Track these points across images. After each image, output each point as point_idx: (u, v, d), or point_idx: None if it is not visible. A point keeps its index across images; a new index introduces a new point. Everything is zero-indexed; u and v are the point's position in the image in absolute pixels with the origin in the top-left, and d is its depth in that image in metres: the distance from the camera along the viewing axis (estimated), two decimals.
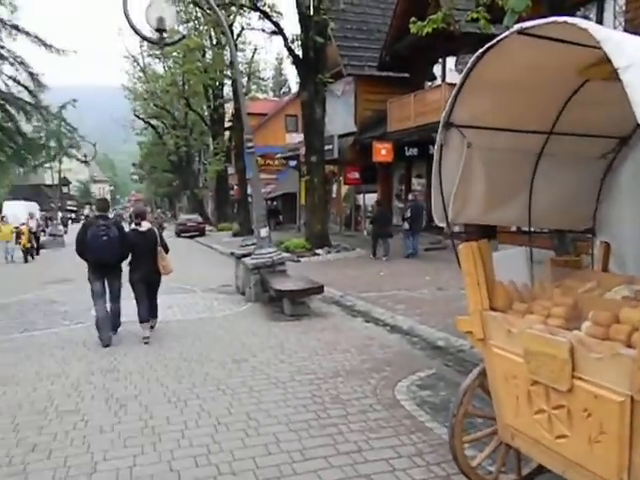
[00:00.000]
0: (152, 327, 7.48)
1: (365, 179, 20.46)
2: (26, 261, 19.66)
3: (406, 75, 18.76)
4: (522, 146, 3.35)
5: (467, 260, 3.10)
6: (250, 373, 5.56)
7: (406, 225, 14.62)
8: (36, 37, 24.66)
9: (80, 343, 7.12)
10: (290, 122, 37.34)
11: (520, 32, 2.48)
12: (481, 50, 2.75)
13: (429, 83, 18.30)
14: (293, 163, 25.95)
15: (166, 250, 7.63)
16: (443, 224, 3.35)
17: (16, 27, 24.22)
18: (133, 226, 7.71)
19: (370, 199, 21.15)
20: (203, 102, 35.59)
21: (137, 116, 43.99)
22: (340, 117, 20.74)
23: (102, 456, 3.81)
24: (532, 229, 3.71)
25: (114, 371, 5.80)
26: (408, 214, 14.58)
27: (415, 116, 15.78)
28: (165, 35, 9.65)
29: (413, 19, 6.92)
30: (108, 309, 7.26)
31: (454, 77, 15.18)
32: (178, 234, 31.70)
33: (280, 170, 32.89)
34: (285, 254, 10.41)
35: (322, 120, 16.98)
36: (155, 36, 9.66)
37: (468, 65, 2.90)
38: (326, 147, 18.09)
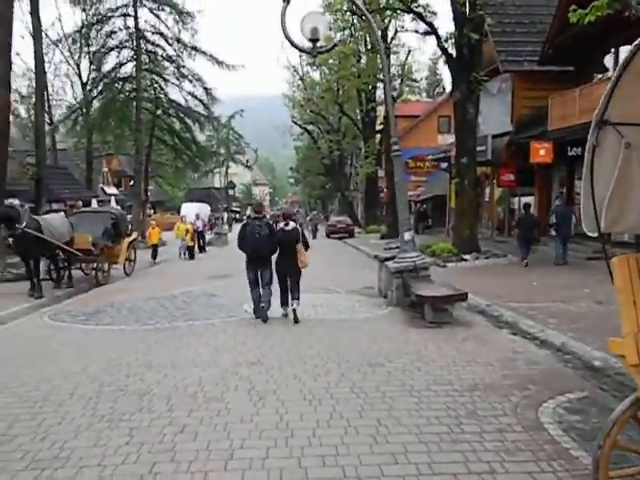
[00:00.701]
0: (295, 310, 8.45)
1: (521, 181, 19.19)
2: (192, 258, 21.71)
3: (570, 69, 17.22)
4: None
5: (621, 275, 2.76)
6: (385, 378, 5.53)
7: (553, 232, 14.11)
8: (211, 56, 27.43)
9: (232, 335, 7.70)
10: (443, 123, 36.57)
11: None
12: None
13: (599, 76, 16.58)
14: (444, 165, 25.31)
15: (306, 247, 8.67)
16: (593, 233, 3.01)
17: (195, 48, 27.19)
18: (282, 225, 8.71)
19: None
20: (356, 106, 36.32)
21: (295, 122, 46.34)
22: (495, 116, 19.73)
23: (239, 444, 4.07)
24: None
25: (258, 364, 6.16)
26: (553, 220, 13.96)
27: (580, 113, 14.38)
28: (319, 44, 10.02)
29: (573, 7, 6.31)
30: (261, 293, 8.65)
31: None
32: (328, 235, 32.76)
33: (431, 172, 32.34)
34: (428, 259, 10.18)
35: (475, 120, 16.32)
36: (309, 46, 10.10)
37: (626, 55, 2.58)
38: (479, 148, 17.33)
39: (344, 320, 8.55)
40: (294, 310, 8.41)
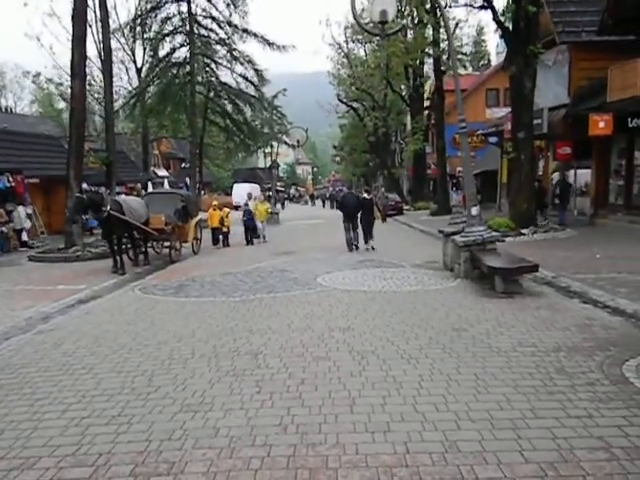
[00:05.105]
0: (373, 248, 14.91)
1: (578, 154, 19.06)
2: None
3: (631, 38, 16.84)
4: None
5: None
6: (471, 341, 6.02)
7: (556, 200, 18.16)
8: (262, 37, 27.80)
9: (316, 304, 8.32)
10: (491, 96, 36.14)
11: None
12: None
13: None
14: (494, 140, 25.16)
15: (379, 210, 16.36)
16: None
17: (246, 30, 27.64)
18: (365, 195, 15.70)
19: (583, 176, 19.86)
20: (402, 82, 36.13)
21: (340, 100, 46.34)
22: (551, 89, 19.51)
23: (357, 394, 4.67)
24: None
25: (350, 330, 6.75)
26: (557, 191, 18.14)
27: None
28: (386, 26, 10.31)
29: None
30: (351, 236, 15.16)
31: None
32: None
33: (479, 147, 31.98)
34: (495, 233, 10.52)
35: (531, 94, 16.25)
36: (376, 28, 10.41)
37: None
38: (534, 122, 17.29)
39: (417, 292, 9.04)
40: (372, 247, 14.91)
